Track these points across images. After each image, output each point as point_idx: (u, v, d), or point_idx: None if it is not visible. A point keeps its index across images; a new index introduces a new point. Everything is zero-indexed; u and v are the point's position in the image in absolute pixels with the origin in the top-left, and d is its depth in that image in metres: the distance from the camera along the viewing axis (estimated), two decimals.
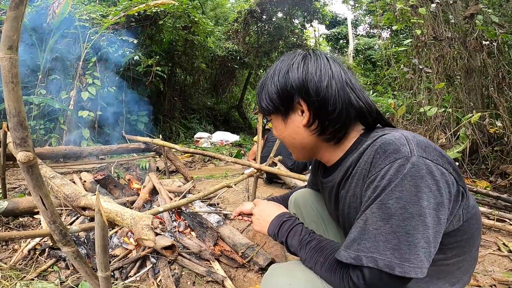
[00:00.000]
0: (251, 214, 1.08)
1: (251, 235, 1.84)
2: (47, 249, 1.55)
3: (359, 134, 0.72)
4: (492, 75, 3.58)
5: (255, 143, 3.99)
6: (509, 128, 3.15)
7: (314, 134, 0.72)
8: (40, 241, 1.61)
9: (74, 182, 2.37)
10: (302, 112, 0.72)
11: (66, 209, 1.82)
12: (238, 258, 1.57)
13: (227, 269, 1.55)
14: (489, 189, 2.56)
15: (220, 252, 1.61)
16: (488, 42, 3.56)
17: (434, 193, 0.55)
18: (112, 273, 1.44)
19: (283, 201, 1.16)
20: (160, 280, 1.41)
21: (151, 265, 1.50)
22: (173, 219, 1.74)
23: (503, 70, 3.51)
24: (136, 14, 5.86)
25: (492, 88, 3.57)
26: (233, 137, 7.14)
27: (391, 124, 0.75)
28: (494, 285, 1.43)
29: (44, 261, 1.50)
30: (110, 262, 1.51)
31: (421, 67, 4.13)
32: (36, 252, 1.55)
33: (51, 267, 1.47)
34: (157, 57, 6.31)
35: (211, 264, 1.55)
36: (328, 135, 0.72)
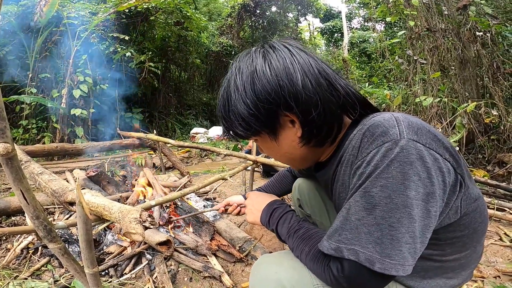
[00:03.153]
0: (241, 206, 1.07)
1: (249, 229, 1.82)
2: (40, 248, 1.52)
3: (350, 123, 0.67)
4: (487, 66, 3.58)
5: None
6: (505, 116, 3.16)
7: (308, 144, 0.64)
8: (33, 239, 1.57)
9: (67, 180, 2.33)
10: (292, 122, 0.62)
11: (59, 207, 1.78)
12: (235, 252, 1.55)
13: (224, 264, 1.53)
14: (487, 178, 2.56)
15: (217, 247, 1.58)
16: (481, 33, 3.56)
17: (424, 181, 0.50)
18: (107, 271, 1.41)
19: (279, 183, 1.14)
20: (156, 276, 1.39)
21: (147, 261, 1.48)
22: (166, 213, 1.71)
23: (497, 60, 3.51)
24: (127, 10, 5.75)
25: (487, 78, 3.57)
26: None
27: (379, 110, 0.69)
28: (499, 276, 1.41)
29: (38, 260, 1.47)
30: (104, 259, 1.48)
31: (415, 58, 4.12)
32: (29, 251, 1.52)
33: (45, 265, 1.44)
34: (150, 53, 6.23)
35: (208, 259, 1.52)
36: (321, 140, 0.64)
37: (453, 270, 0.66)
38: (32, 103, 4.60)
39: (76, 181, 2.12)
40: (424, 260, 0.62)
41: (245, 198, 1.13)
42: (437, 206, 0.52)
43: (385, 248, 0.50)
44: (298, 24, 11.88)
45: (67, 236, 1.53)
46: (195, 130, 7.19)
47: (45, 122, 4.80)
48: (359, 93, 0.66)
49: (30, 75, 4.82)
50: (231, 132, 0.67)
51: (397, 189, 0.50)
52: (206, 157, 4.86)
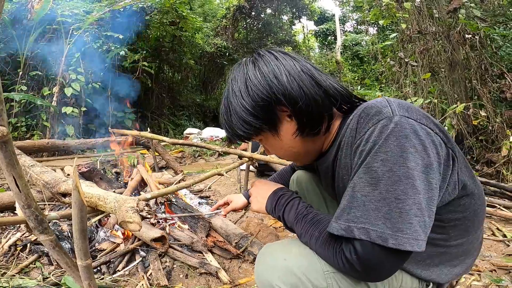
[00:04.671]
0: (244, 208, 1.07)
1: (245, 225, 1.81)
2: (28, 245, 1.48)
3: (344, 114, 0.71)
4: (475, 68, 3.67)
5: None
6: (493, 117, 3.24)
7: (302, 133, 0.68)
8: (21, 236, 1.53)
9: None
10: (290, 116, 0.67)
11: (49, 204, 1.74)
12: (232, 248, 1.54)
13: (221, 261, 1.51)
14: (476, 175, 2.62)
15: (213, 243, 1.57)
16: (470, 36, 3.65)
17: (420, 153, 0.52)
18: (99, 268, 1.38)
19: (280, 178, 1.15)
20: (151, 273, 1.37)
21: (141, 258, 1.45)
22: (162, 211, 1.69)
23: (485, 62, 3.60)
24: (122, 9, 5.69)
25: (475, 80, 3.66)
26: (224, 133, 7.07)
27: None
28: (494, 270, 1.44)
29: (26, 257, 1.43)
30: (96, 256, 1.45)
31: (407, 61, 4.20)
32: (17, 248, 1.47)
33: (33, 263, 1.40)
34: (144, 52, 6.18)
35: (204, 256, 1.51)
36: (314, 127, 0.68)
37: (458, 257, 0.68)
38: (22, 101, 4.51)
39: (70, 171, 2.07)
40: (429, 246, 0.62)
41: (246, 197, 1.14)
42: (436, 178, 0.54)
43: (395, 222, 0.50)
44: (293, 26, 11.99)
45: (57, 233, 1.49)
46: (188, 130, 7.14)
47: (35, 120, 4.70)
48: (344, 87, 0.71)
49: (21, 73, 4.72)
50: (235, 136, 0.71)
51: (397, 161, 0.52)
52: (200, 157, 4.83)
